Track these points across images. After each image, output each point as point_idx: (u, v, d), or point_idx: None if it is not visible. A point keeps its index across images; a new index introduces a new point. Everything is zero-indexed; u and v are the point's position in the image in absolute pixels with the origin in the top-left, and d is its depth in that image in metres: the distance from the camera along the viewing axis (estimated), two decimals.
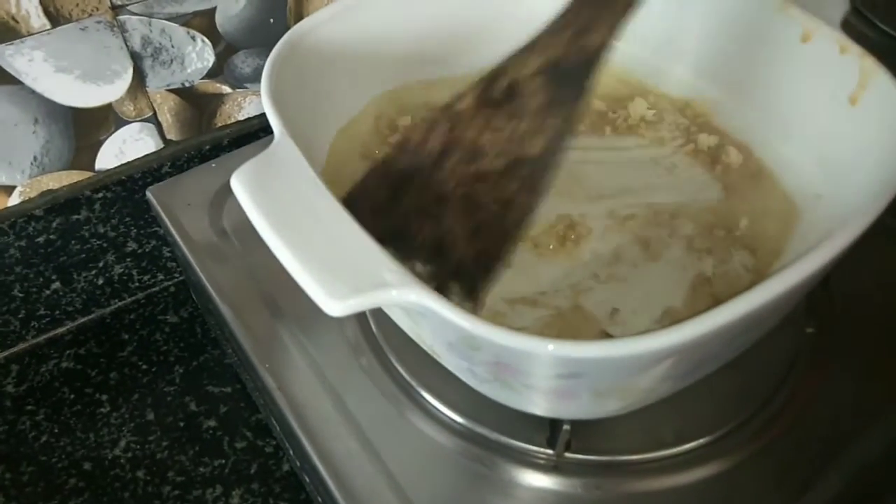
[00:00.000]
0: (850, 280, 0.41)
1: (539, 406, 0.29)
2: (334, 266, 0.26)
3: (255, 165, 0.29)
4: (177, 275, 0.61)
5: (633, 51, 0.44)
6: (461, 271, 0.30)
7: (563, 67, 0.30)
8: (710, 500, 0.33)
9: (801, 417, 0.35)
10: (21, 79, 0.46)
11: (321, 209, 0.28)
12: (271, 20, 0.52)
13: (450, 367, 0.31)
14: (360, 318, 0.40)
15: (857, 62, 0.34)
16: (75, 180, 0.52)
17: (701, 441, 0.34)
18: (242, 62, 0.54)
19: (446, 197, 0.31)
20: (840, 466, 0.34)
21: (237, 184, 0.28)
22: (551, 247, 0.38)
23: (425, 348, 0.32)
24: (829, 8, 0.37)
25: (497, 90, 0.31)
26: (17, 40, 0.44)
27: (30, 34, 0.45)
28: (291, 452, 0.41)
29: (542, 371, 0.26)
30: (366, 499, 0.32)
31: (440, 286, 0.29)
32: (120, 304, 0.60)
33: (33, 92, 0.47)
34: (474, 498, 0.33)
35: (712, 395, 0.36)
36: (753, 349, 0.36)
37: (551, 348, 0.24)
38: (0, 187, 0.50)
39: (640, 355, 0.24)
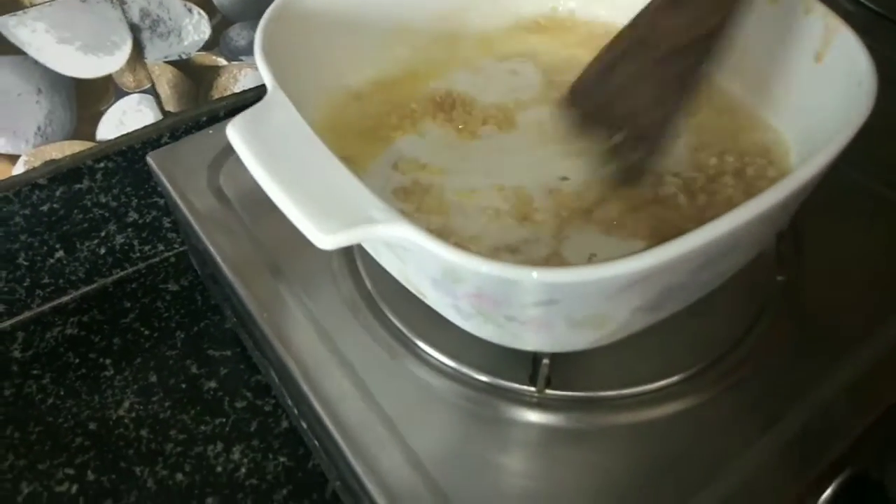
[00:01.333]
0: (821, 234, 0.43)
1: (519, 338, 0.31)
2: (324, 204, 0.28)
3: (249, 115, 0.31)
4: (177, 245, 0.63)
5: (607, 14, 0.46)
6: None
7: None
8: (682, 432, 0.35)
9: (769, 359, 0.37)
10: (24, 49, 0.48)
11: (312, 154, 0.30)
12: None
13: (436, 307, 0.33)
14: (356, 275, 0.42)
15: (821, 21, 0.36)
16: (77, 150, 0.54)
17: (674, 378, 0.36)
18: (238, 35, 0.56)
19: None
20: (803, 405, 0.35)
21: (232, 132, 0.30)
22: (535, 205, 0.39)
23: (413, 290, 0.34)
24: None
25: None
26: (21, 11, 0.46)
27: (32, 5, 0.46)
28: (289, 401, 0.43)
29: (521, 299, 0.28)
30: (359, 434, 0.34)
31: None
32: (122, 273, 0.62)
33: (36, 62, 0.48)
34: (462, 432, 0.35)
35: (686, 337, 0.38)
36: (726, 294, 0.38)
37: (535, 276, 0.26)
38: (5, 156, 0.52)
39: (612, 279, 0.26)
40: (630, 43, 0.38)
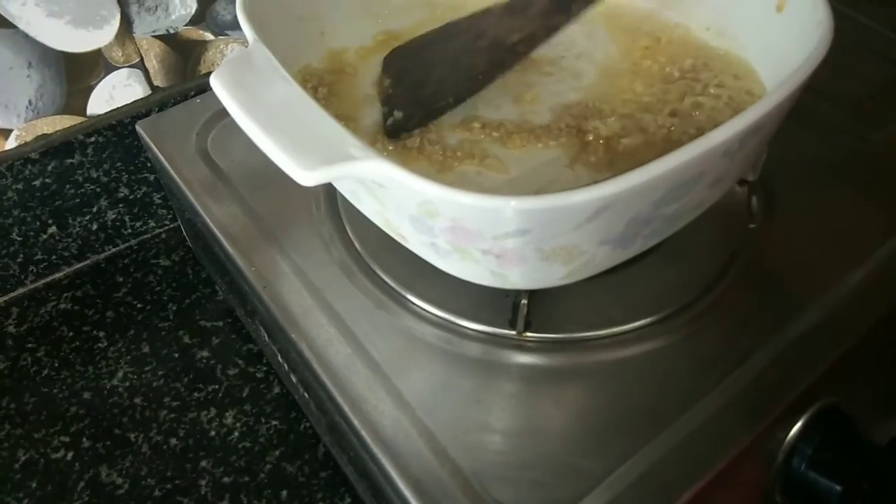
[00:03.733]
0: (793, 187, 0.44)
1: (494, 274, 0.32)
2: (305, 143, 0.29)
3: (231, 65, 0.32)
4: (167, 222, 0.64)
5: None
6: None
7: None
8: (655, 370, 0.36)
9: (739, 303, 0.39)
10: (15, 23, 0.49)
11: (292, 98, 0.31)
12: None
13: (415, 248, 0.34)
14: (344, 237, 0.43)
15: None
16: (68, 125, 0.55)
17: (648, 320, 0.37)
18: (224, 9, 0.57)
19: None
20: (771, 343, 0.37)
21: (215, 81, 0.31)
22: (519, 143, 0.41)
23: (393, 234, 0.35)
24: None
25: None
26: None
27: None
28: (279, 356, 0.44)
29: (494, 230, 0.29)
30: (346, 376, 0.36)
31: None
32: (114, 249, 0.63)
33: (26, 36, 0.50)
34: (446, 374, 0.36)
35: (659, 281, 0.39)
36: (698, 241, 0.40)
37: (512, 204, 0.27)
38: None
39: (577, 205, 0.27)
40: (459, 28, 0.43)
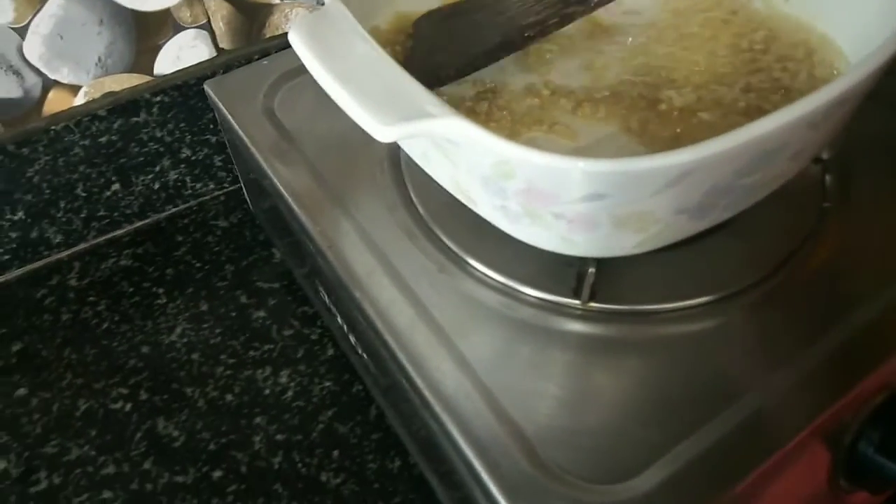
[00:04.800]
0: (869, 164, 0.43)
1: (565, 240, 0.32)
2: (382, 99, 0.29)
3: (310, 21, 0.32)
4: (227, 185, 0.65)
5: None
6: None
7: None
8: (720, 347, 0.35)
9: (808, 285, 0.38)
10: None
11: (369, 55, 0.31)
12: None
13: (484, 212, 0.34)
14: (407, 201, 0.43)
15: None
16: (136, 83, 0.56)
17: (715, 296, 0.37)
18: None
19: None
20: (842, 326, 0.36)
21: (294, 35, 0.31)
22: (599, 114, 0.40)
23: (462, 197, 0.35)
24: None
25: None
26: None
27: None
28: (339, 318, 0.44)
29: (570, 192, 0.28)
30: (408, 336, 0.36)
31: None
32: (174, 209, 0.64)
33: None
34: (508, 340, 0.36)
35: (728, 257, 0.38)
36: (771, 218, 0.39)
37: (582, 165, 0.27)
38: (67, 87, 0.54)
39: (658, 169, 0.27)
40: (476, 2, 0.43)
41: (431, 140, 0.32)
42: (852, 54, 0.37)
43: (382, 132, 0.28)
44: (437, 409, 0.33)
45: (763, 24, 0.42)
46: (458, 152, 0.31)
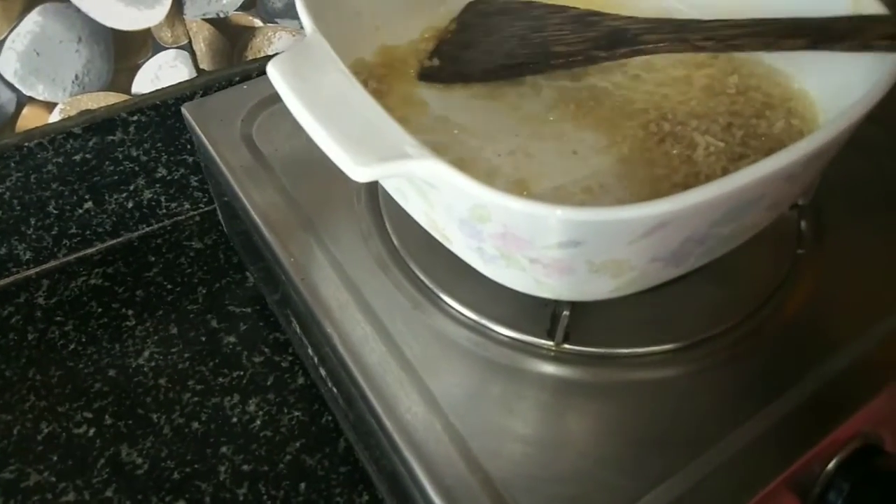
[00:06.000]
0: (844, 216, 0.43)
1: (540, 284, 0.32)
2: (360, 138, 0.28)
3: (289, 55, 0.32)
4: (202, 205, 0.64)
5: None
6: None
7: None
8: (693, 393, 0.35)
9: (782, 331, 0.38)
10: None
11: (348, 92, 0.31)
12: None
13: (460, 251, 0.34)
14: (383, 232, 0.43)
15: None
16: (112, 102, 0.55)
17: (690, 341, 0.37)
18: None
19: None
20: (812, 376, 0.36)
21: (273, 69, 0.31)
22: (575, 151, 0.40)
23: (438, 236, 0.34)
24: None
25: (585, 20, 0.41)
26: None
27: None
28: (310, 349, 0.43)
29: (546, 239, 0.28)
30: (378, 374, 0.35)
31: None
32: (147, 229, 0.63)
33: (79, 11, 0.50)
34: (480, 380, 0.36)
35: (703, 302, 0.38)
36: (746, 264, 0.39)
37: (559, 213, 0.27)
38: (42, 103, 0.53)
39: (636, 220, 0.27)
40: (533, 11, 0.44)
41: (409, 179, 0.32)
42: (827, 108, 0.38)
43: (358, 172, 0.28)
44: (406, 452, 0.32)
45: (739, 69, 0.42)
46: (435, 193, 0.30)
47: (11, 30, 0.49)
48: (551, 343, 0.36)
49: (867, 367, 0.36)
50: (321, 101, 0.30)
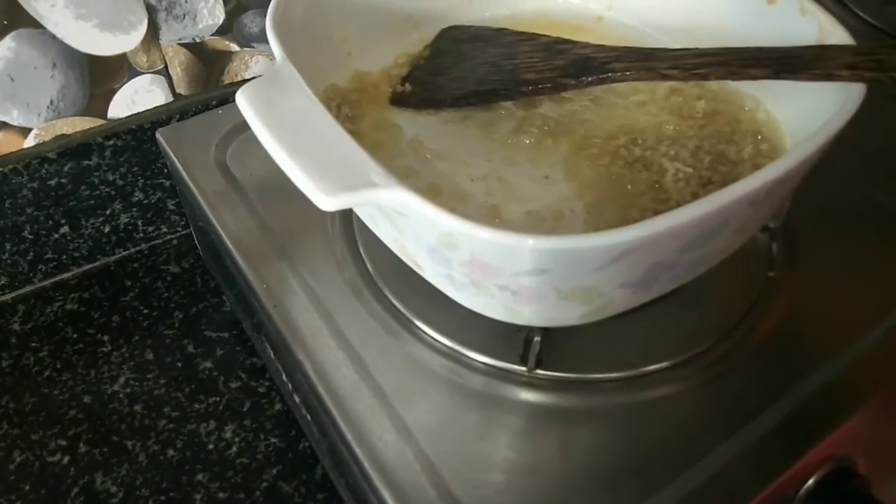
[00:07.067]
0: (815, 237, 0.43)
1: (510, 310, 0.32)
2: (327, 167, 0.28)
3: (258, 84, 0.32)
4: (179, 228, 0.64)
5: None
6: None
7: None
8: (666, 417, 0.35)
9: (755, 353, 0.38)
10: (43, 23, 0.49)
11: (316, 121, 0.31)
12: None
13: (430, 278, 0.34)
14: (357, 257, 0.43)
15: (816, 22, 0.37)
16: (88, 126, 0.55)
17: (662, 365, 0.37)
18: (251, 22, 0.57)
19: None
20: (785, 399, 0.36)
21: (241, 98, 0.31)
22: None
23: (409, 262, 0.34)
24: None
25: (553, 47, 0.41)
26: None
27: None
28: (284, 375, 0.43)
29: (513, 266, 0.28)
30: (351, 402, 0.35)
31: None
32: (124, 253, 0.62)
33: (53, 37, 0.50)
34: (453, 407, 0.36)
35: (675, 325, 0.38)
36: (717, 287, 0.39)
37: (527, 241, 0.27)
38: (17, 129, 0.53)
39: (601, 248, 0.27)
40: (505, 39, 0.44)
41: (376, 207, 0.32)
42: (795, 131, 0.38)
43: (325, 201, 0.28)
44: (376, 481, 0.32)
45: (706, 94, 0.42)
46: (404, 221, 0.30)
47: None
48: (524, 368, 0.36)
49: (840, 390, 0.36)
50: (289, 130, 0.30)
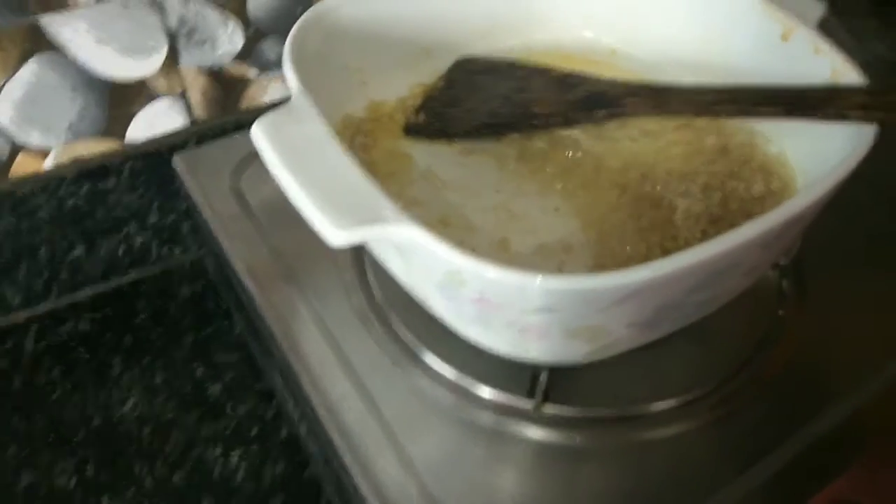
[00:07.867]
0: (825, 274, 0.43)
1: (517, 347, 0.32)
2: (339, 202, 0.29)
3: (273, 116, 0.32)
4: (193, 251, 0.64)
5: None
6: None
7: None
8: (675, 455, 0.35)
9: (763, 393, 0.38)
10: (64, 47, 0.49)
11: (330, 155, 0.31)
12: (298, 10, 0.56)
13: (438, 313, 0.34)
14: (366, 286, 0.43)
15: (829, 62, 0.37)
16: (106, 149, 0.56)
17: (671, 403, 0.36)
18: (270, 49, 0.57)
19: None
20: (794, 439, 0.36)
21: (257, 130, 0.31)
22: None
23: (417, 296, 0.34)
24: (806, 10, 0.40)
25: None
26: (66, 10, 0.48)
27: (76, 5, 0.48)
28: (291, 403, 0.43)
29: (520, 304, 0.28)
30: (356, 436, 0.35)
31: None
32: (138, 274, 0.63)
33: (74, 61, 0.50)
34: (459, 442, 0.36)
35: (684, 363, 0.38)
36: (726, 325, 0.39)
37: (539, 281, 0.27)
38: (36, 150, 0.53)
39: (608, 289, 0.27)
40: (518, 72, 0.45)
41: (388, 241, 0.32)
42: (806, 170, 0.38)
43: (336, 235, 0.28)
44: None
45: (717, 130, 0.42)
46: (413, 255, 0.31)
47: (8, 79, 0.49)
48: (531, 404, 0.36)
49: (848, 432, 0.36)
50: (302, 164, 0.30)
